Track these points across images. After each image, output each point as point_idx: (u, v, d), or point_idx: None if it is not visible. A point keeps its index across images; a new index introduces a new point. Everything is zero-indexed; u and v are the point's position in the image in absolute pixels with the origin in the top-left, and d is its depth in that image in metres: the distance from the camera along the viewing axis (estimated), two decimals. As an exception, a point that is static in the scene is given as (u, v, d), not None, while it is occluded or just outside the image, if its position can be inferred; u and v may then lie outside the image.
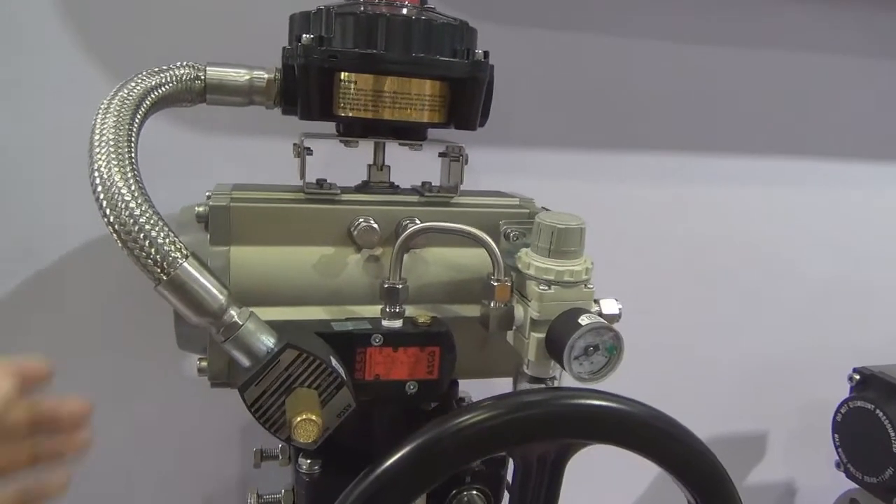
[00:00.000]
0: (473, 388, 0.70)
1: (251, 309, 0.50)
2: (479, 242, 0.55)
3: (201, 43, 0.76)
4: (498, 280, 0.55)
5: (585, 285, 0.55)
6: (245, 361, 0.49)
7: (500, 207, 0.64)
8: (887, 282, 1.15)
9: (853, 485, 0.89)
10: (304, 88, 0.56)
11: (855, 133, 1.08)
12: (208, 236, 0.57)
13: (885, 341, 1.15)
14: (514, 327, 0.56)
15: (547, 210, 0.64)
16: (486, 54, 0.59)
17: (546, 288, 0.53)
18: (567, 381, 0.58)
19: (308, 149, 0.62)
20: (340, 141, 0.63)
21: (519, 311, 0.56)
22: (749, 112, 1.02)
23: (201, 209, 0.57)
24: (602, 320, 0.51)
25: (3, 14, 0.73)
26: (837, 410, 0.88)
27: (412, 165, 0.68)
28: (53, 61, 0.74)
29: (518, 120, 0.92)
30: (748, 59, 1.00)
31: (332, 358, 0.50)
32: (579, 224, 0.54)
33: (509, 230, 0.60)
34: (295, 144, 0.61)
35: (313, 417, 0.45)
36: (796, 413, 1.15)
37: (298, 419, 0.44)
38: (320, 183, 0.62)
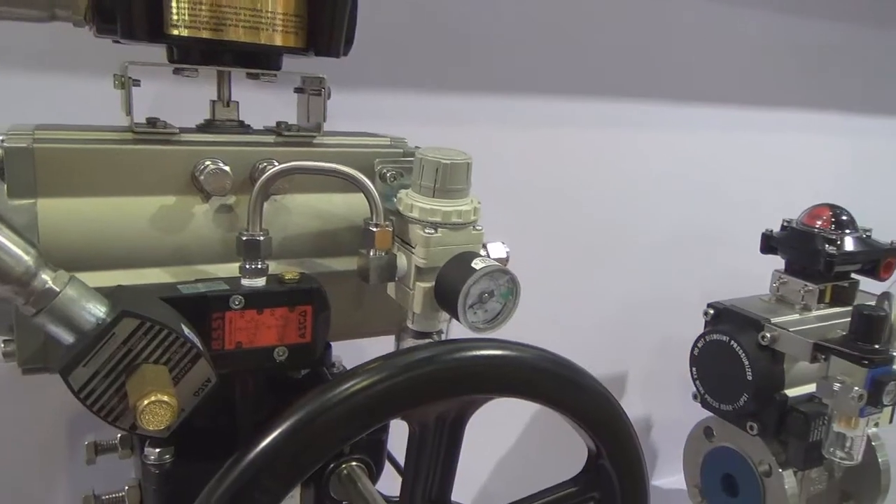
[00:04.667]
0: (345, 353, 0.63)
1: (72, 273, 0.39)
2: (354, 183, 0.48)
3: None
4: (377, 225, 0.49)
5: (474, 227, 0.49)
6: (67, 338, 0.38)
7: (371, 147, 0.57)
8: (730, 223, 1.21)
9: (707, 414, 0.93)
10: (124, -1, 0.45)
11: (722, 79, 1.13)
12: (5, 188, 0.45)
13: (731, 277, 1.22)
14: (396, 278, 0.50)
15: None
16: (348, -37, 0.51)
17: (433, 231, 0.47)
18: (453, 334, 0.53)
19: (135, 80, 0.51)
20: (175, 71, 0.52)
21: (401, 259, 0.50)
22: (622, 56, 1.03)
23: (-6, 153, 0.45)
24: (497, 263, 0.46)
25: None
26: (694, 345, 0.91)
27: (262, 107, 0.58)
28: None
29: (371, 58, 0.84)
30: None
31: (183, 326, 0.41)
32: (465, 159, 0.48)
33: (385, 170, 0.53)
34: (116, 75, 0.50)
35: (165, 399, 0.36)
36: (653, 351, 1.19)
37: (146, 402, 0.35)
38: (152, 122, 0.51)
